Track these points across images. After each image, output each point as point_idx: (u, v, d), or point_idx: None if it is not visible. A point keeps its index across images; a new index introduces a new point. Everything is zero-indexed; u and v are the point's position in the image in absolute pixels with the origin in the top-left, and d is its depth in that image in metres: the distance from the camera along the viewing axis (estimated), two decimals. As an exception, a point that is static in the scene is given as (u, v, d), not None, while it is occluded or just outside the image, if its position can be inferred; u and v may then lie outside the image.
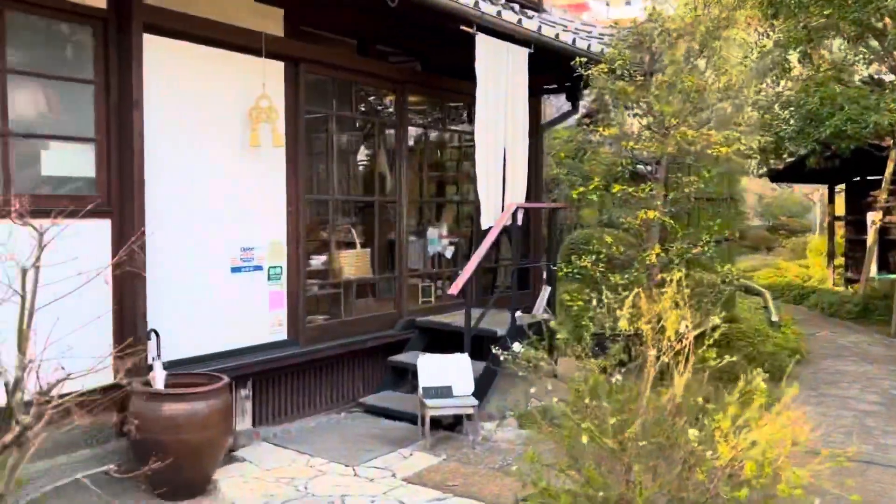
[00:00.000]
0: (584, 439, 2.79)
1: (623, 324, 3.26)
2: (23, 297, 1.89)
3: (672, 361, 3.26)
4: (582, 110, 9.23)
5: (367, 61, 6.31)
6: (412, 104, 7.01)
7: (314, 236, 6.34)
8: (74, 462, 4.48)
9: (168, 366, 4.71)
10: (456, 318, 6.38)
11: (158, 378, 4.52)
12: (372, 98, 7.18)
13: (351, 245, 6.68)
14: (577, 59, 6.19)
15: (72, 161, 4.54)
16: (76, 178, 4.56)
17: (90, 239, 4.49)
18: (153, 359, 4.63)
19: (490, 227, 6.17)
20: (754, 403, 3.06)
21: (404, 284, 6.65)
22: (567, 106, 8.73)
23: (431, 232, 7.35)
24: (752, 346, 7.17)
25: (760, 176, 13.46)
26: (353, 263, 6.39)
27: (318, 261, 6.24)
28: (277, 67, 5.52)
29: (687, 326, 3.12)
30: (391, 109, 6.85)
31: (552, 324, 3.40)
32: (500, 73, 6.22)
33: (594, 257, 5.97)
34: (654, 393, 3.19)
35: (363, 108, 7.11)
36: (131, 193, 4.57)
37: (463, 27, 5.67)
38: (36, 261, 1.97)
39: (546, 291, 6.92)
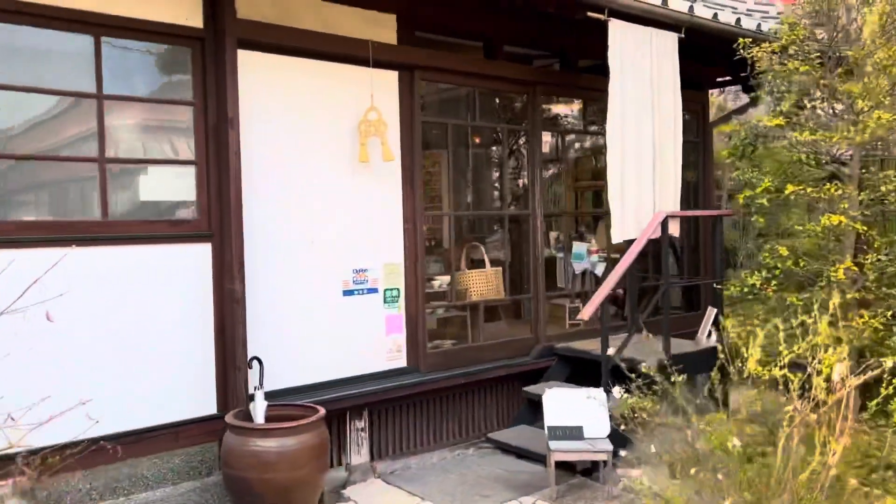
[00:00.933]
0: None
1: (752, 366, 2.44)
2: None
3: (827, 417, 2.39)
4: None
5: (491, 64, 5.77)
6: (549, 108, 6.36)
7: (435, 255, 5.91)
8: (178, 494, 4.37)
9: (275, 395, 4.49)
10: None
11: (259, 409, 4.29)
12: (500, 103, 6.61)
13: (479, 263, 6.14)
14: (741, 40, 5.26)
15: (173, 185, 4.47)
16: (177, 203, 4.49)
17: (191, 264, 4.40)
18: (255, 388, 4.41)
19: (626, 241, 5.36)
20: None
21: (541, 306, 5.97)
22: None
23: (577, 247, 6.61)
24: None
25: None
26: (481, 283, 5.85)
27: (440, 281, 5.80)
28: (389, 77, 5.17)
29: (842, 375, 2.24)
30: (522, 114, 6.24)
31: (643, 367, 2.64)
32: (641, 64, 5.40)
33: (765, 273, 5.05)
34: (797, 463, 2.34)
35: (490, 115, 6.54)
36: (229, 216, 4.40)
37: (591, 14, 4.97)
38: None
39: (711, 314, 5.94)
